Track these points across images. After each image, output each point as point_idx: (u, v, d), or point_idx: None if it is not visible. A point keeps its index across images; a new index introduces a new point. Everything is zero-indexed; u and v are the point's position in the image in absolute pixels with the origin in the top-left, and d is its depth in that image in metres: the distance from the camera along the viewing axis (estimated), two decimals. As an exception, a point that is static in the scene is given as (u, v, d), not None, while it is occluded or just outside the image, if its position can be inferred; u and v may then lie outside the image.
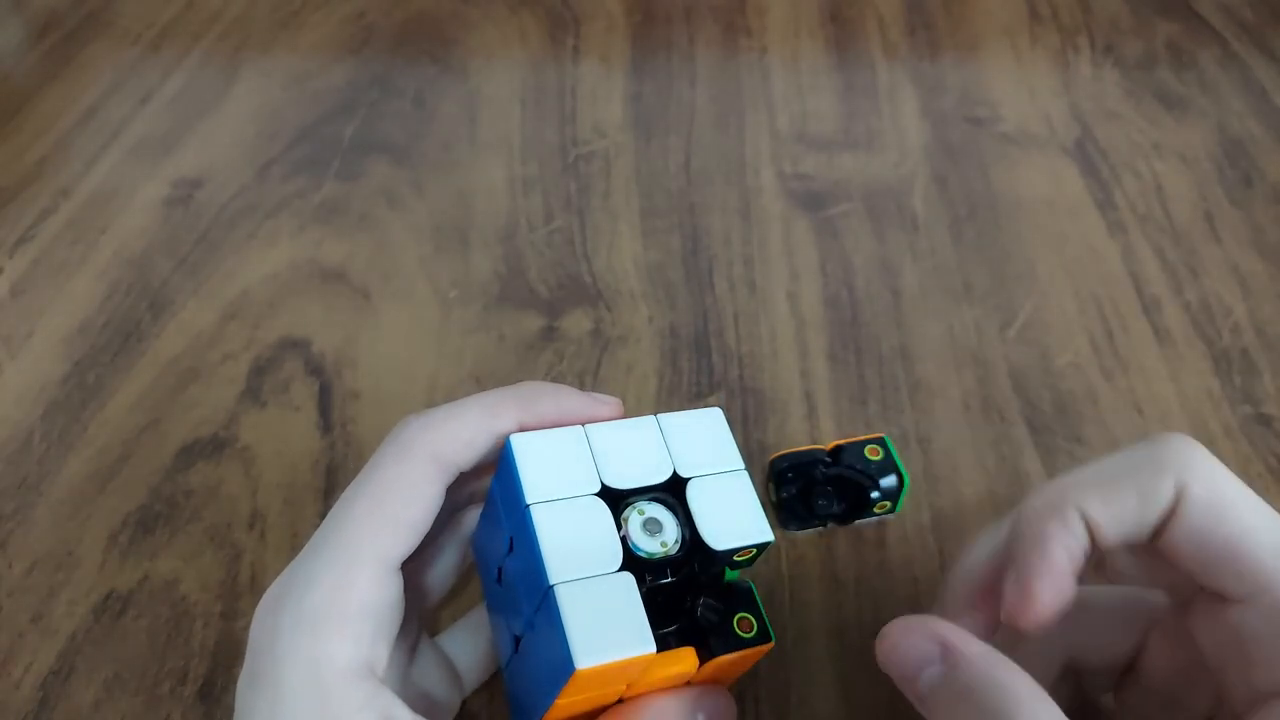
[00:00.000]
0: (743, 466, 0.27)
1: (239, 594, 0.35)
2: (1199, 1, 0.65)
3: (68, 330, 0.44)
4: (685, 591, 0.26)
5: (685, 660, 0.25)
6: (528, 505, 0.24)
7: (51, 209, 0.50)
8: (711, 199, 0.50)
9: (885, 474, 0.35)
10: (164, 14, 0.64)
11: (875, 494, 0.35)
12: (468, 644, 0.30)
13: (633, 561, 0.24)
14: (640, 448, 0.26)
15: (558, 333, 0.44)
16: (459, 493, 0.29)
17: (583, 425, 0.26)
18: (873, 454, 0.36)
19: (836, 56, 0.60)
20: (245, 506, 0.37)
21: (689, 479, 0.26)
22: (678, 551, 0.25)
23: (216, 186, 0.51)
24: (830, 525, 0.36)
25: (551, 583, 0.23)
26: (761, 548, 0.26)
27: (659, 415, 0.27)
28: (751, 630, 0.25)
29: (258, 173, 0.52)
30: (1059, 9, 0.65)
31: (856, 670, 0.33)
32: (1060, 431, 0.40)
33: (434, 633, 0.31)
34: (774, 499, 0.36)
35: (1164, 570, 0.26)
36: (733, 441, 0.27)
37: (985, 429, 0.40)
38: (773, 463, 0.36)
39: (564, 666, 0.23)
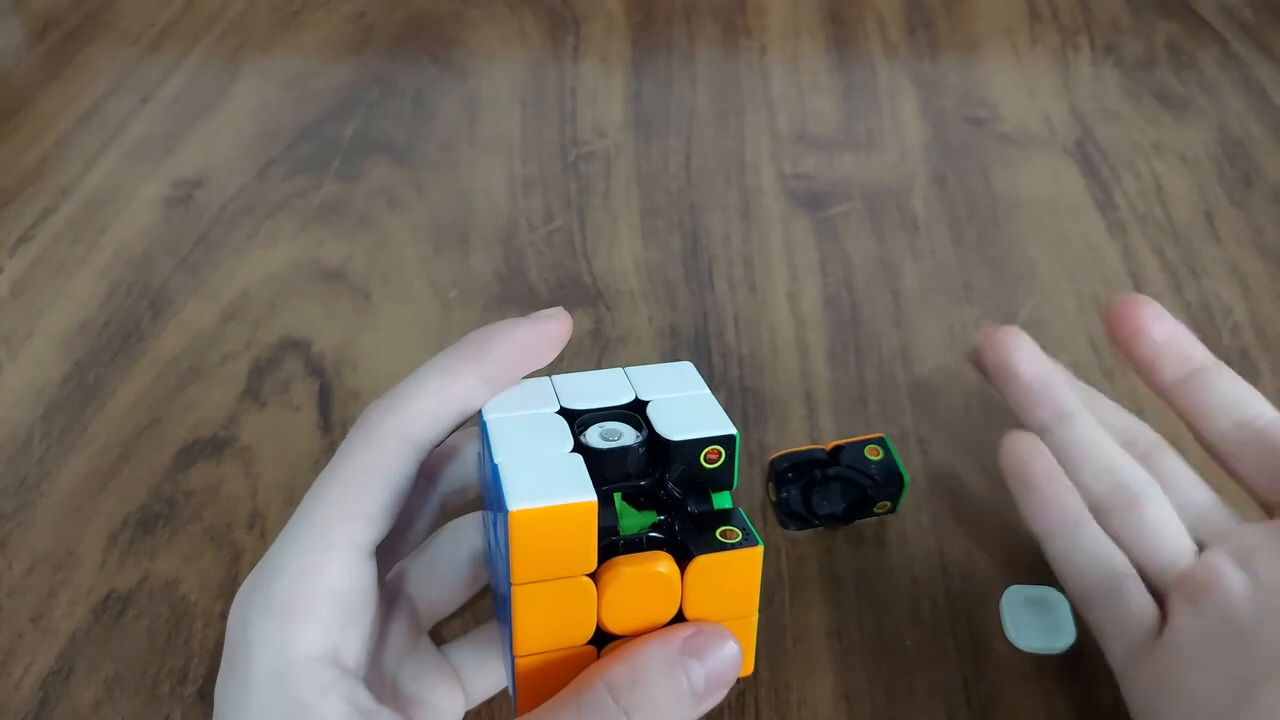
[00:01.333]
0: (709, 391, 0.26)
1: (239, 594, 0.35)
2: (1199, 1, 0.65)
3: (68, 330, 0.44)
4: (668, 514, 0.25)
5: (662, 559, 0.24)
6: (484, 422, 0.25)
7: (51, 209, 0.50)
8: (711, 199, 0.50)
9: (885, 474, 0.35)
10: (164, 14, 0.64)
11: (875, 494, 0.35)
12: (474, 657, 0.30)
13: (591, 460, 0.24)
14: (604, 385, 0.27)
15: (558, 333, 0.44)
16: (452, 494, 0.29)
17: (550, 376, 0.27)
18: (873, 454, 0.36)
19: (836, 56, 0.60)
20: (245, 506, 0.37)
21: (649, 400, 0.26)
22: (636, 443, 0.24)
23: (216, 186, 0.51)
24: (830, 525, 0.36)
25: (497, 462, 0.23)
26: (727, 446, 0.25)
27: (626, 368, 0.27)
28: (735, 537, 0.24)
29: (258, 173, 0.52)
30: (1059, 9, 0.65)
31: (856, 670, 0.33)
32: (1060, 431, 0.40)
33: (442, 642, 0.31)
34: (774, 499, 0.36)
35: None
36: (701, 379, 0.27)
37: (985, 429, 0.40)
38: (773, 463, 0.36)
39: (505, 523, 0.22)
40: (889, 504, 0.36)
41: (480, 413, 0.26)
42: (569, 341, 0.43)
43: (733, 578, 0.24)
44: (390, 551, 0.28)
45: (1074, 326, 0.44)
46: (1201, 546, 0.29)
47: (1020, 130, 0.55)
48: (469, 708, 0.30)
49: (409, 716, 0.25)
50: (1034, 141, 0.54)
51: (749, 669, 0.26)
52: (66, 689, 0.32)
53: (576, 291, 0.45)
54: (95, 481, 0.38)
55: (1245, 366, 0.42)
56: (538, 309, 0.44)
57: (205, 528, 0.37)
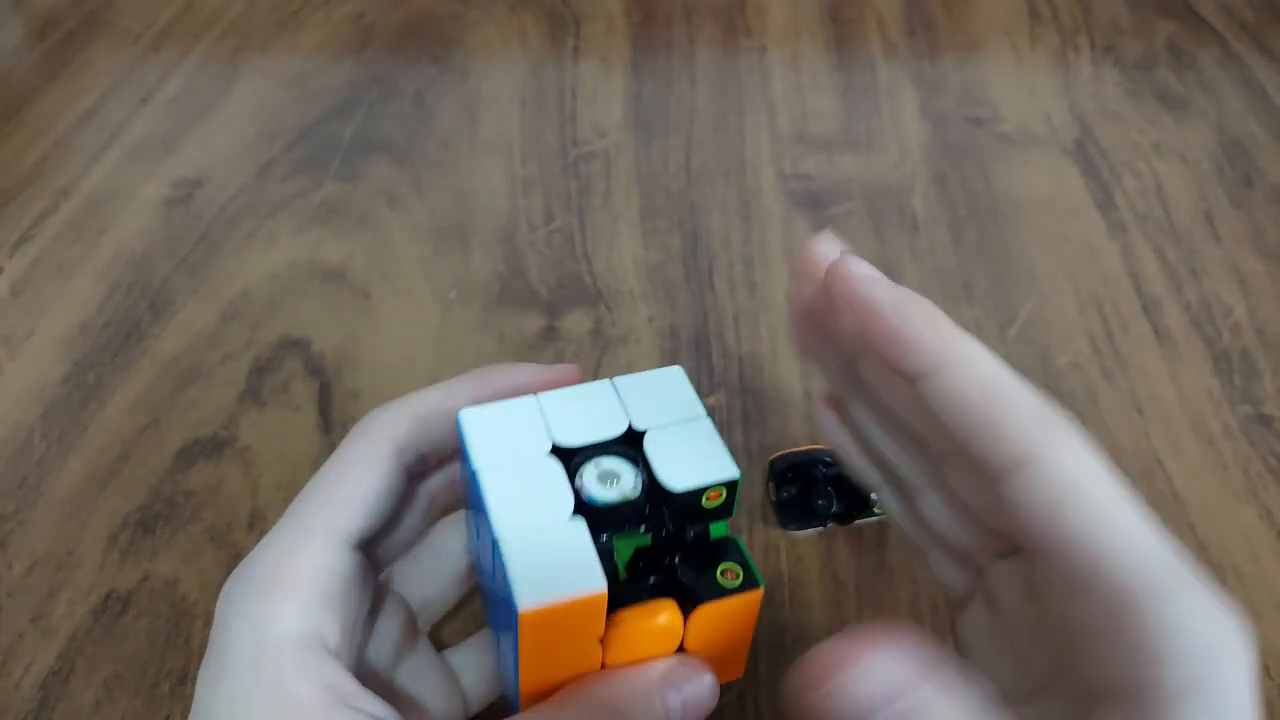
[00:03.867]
0: (705, 415, 0.26)
1: (239, 594, 0.35)
2: (1199, 1, 0.65)
3: (68, 330, 0.44)
4: (667, 554, 0.25)
5: (665, 610, 0.24)
6: (474, 470, 0.24)
7: (51, 209, 0.50)
8: (711, 199, 0.50)
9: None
10: (164, 14, 0.64)
11: (875, 494, 0.35)
12: (474, 660, 0.30)
13: (589, 512, 0.24)
14: (595, 408, 0.25)
15: (558, 333, 0.44)
16: (440, 490, 0.29)
17: (536, 394, 0.26)
18: (873, 454, 0.36)
19: (836, 56, 0.60)
20: (245, 506, 0.37)
21: (646, 430, 0.25)
22: (636, 496, 0.24)
23: (216, 186, 0.51)
24: (830, 525, 0.36)
25: (497, 535, 0.23)
26: (729, 488, 0.24)
27: (615, 378, 0.26)
28: (737, 579, 0.24)
29: (258, 173, 0.52)
30: (1059, 9, 0.65)
31: (856, 670, 0.33)
32: (1060, 431, 0.40)
33: (443, 647, 0.31)
34: (774, 499, 0.36)
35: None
36: (694, 394, 0.26)
37: (985, 429, 0.40)
38: (772, 463, 0.36)
39: (513, 615, 0.22)
40: (889, 504, 0.36)
41: (459, 420, 0.25)
42: (570, 340, 0.43)
43: (733, 618, 0.24)
44: (382, 550, 0.28)
45: (1074, 326, 0.44)
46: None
47: (1020, 130, 0.55)
48: (470, 714, 0.30)
49: (404, 714, 0.25)
50: (1034, 141, 0.54)
51: (740, 673, 0.27)
52: (66, 689, 0.32)
53: (576, 291, 0.45)
54: (95, 481, 0.38)
55: (1245, 366, 0.42)
56: (538, 309, 0.45)
57: (205, 528, 0.37)
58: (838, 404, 0.28)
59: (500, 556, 0.22)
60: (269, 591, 0.23)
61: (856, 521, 0.36)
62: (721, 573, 0.24)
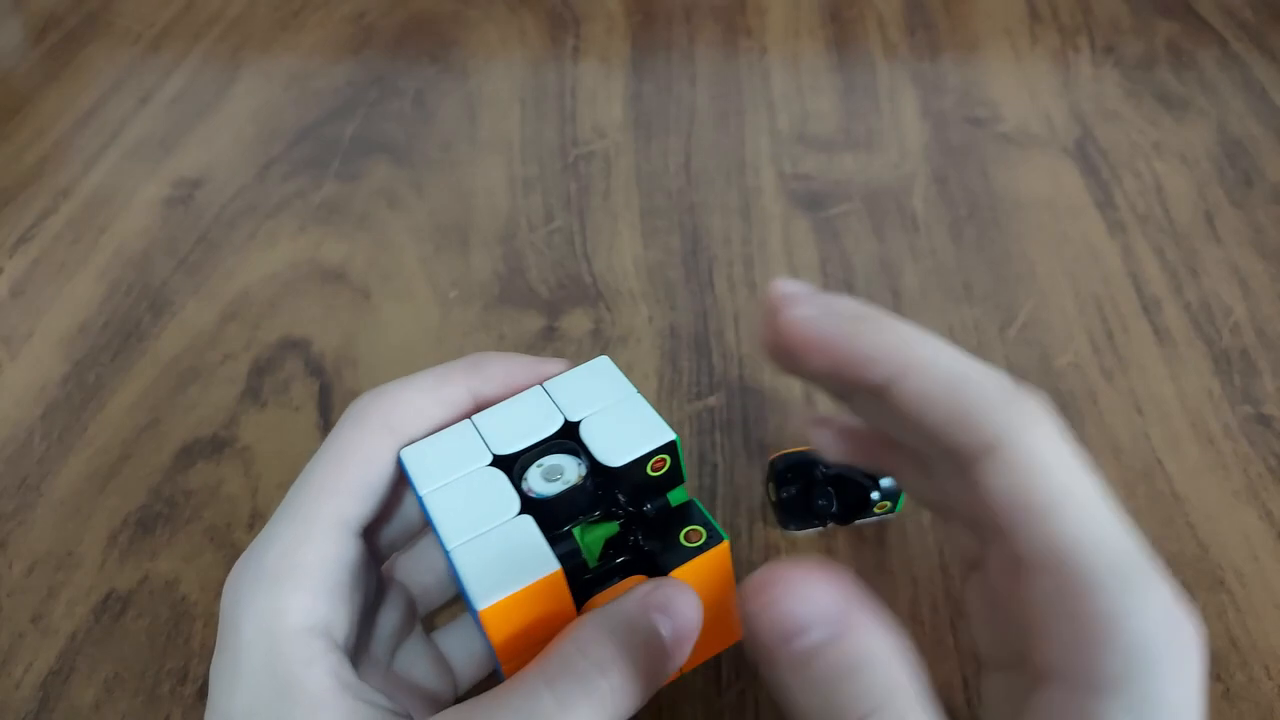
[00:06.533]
0: (635, 392, 0.26)
1: (239, 594, 0.35)
2: (1199, 1, 0.65)
3: (68, 330, 0.44)
4: (632, 535, 0.25)
5: (636, 584, 0.24)
6: (420, 495, 0.25)
7: (51, 209, 0.50)
8: (711, 199, 0.50)
9: (885, 474, 0.35)
10: (164, 14, 0.64)
11: (875, 494, 0.35)
12: (463, 641, 0.30)
13: (541, 508, 0.24)
14: (528, 414, 0.26)
15: (558, 333, 0.44)
16: None
17: (470, 418, 0.26)
18: (873, 454, 0.36)
19: (836, 56, 0.60)
20: (245, 506, 0.37)
21: (580, 420, 0.26)
22: (584, 482, 0.25)
23: (216, 186, 0.51)
24: (830, 525, 0.36)
25: (448, 547, 0.23)
26: (669, 452, 0.25)
27: (545, 383, 0.27)
28: (700, 538, 0.24)
29: (258, 173, 0.52)
30: (1059, 9, 0.65)
31: (856, 670, 0.33)
32: (1060, 431, 0.40)
33: (431, 629, 0.31)
34: (774, 499, 0.36)
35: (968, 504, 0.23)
36: (623, 377, 0.27)
37: (985, 429, 0.40)
38: (772, 463, 0.36)
39: (476, 616, 0.23)
40: (889, 504, 0.36)
41: (400, 460, 0.26)
42: (570, 340, 0.43)
43: (708, 578, 0.25)
44: (383, 539, 0.28)
45: (1074, 326, 0.44)
46: None
47: (1020, 130, 0.55)
48: (460, 693, 0.30)
49: (400, 699, 0.25)
50: (1034, 141, 0.54)
51: (739, 635, 0.27)
52: (66, 689, 0.32)
53: (576, 291, 0.45)
54: (95, 481, 0.38)
55: (1245, 366, 0.42)
56: (538, 309, 0.45)
57: (205, 528, 0.37)
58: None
59: (453, 565, 0.23)
60: (278, 582, 0.23)
61: (856, 521, 0.36)
62: (685, 536, 0.25)
